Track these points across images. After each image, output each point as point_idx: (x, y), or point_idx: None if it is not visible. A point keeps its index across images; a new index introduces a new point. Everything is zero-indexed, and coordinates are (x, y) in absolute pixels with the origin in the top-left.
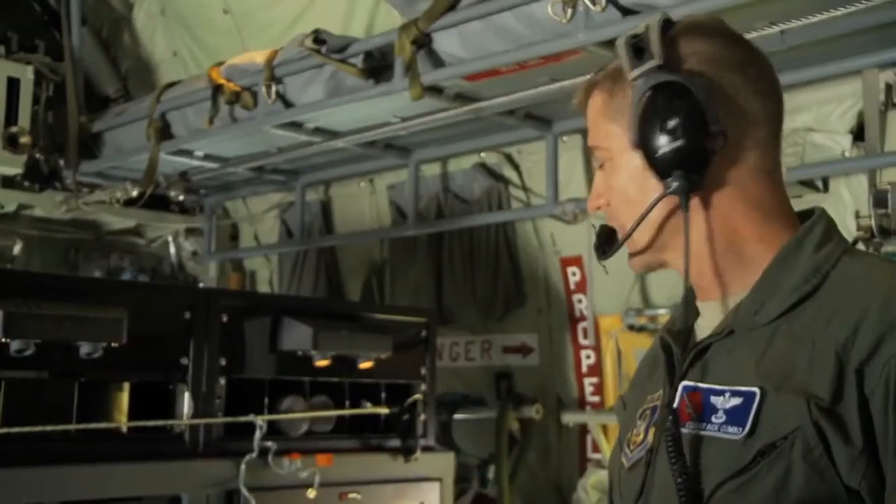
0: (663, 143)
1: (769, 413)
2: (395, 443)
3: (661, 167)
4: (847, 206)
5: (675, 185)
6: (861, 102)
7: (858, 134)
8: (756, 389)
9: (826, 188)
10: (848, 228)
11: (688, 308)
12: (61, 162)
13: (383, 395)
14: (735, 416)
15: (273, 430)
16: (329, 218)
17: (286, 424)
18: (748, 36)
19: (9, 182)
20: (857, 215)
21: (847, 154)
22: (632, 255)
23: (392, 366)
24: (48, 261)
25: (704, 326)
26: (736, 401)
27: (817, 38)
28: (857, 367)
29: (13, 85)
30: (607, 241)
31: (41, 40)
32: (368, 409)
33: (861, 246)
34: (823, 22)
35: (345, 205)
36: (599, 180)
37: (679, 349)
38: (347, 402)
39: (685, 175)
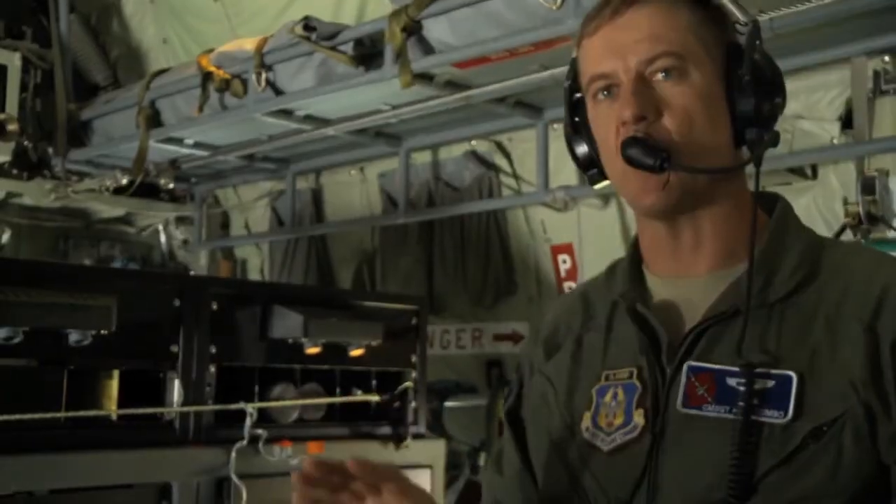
0: (765, 95)
1: (811, 396)
2: (385, 430)
3: (753, 116)
4: (835, 192)
5: (766, 138)
6: (849, 90)
7: (847, 121)
8: (791, 373)
9: (815, 175)
10: (836, 215)
11: (633, 277)
12: (50, 150)
13: (374, 382)
14: (772, 399)
15: (264, 418)
16: (320, 206)
17: (277, 412)
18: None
19: None
20: (846, 202)
21: (835, 141)
22: (678, 173)
23: (383, 353)
24: (37, 249)
25: (685, 301)
26: (768, 383)
27: (806, 26)
28: (891, 343)
29: (0, 72)
30: (661, 150)
31: (28, 27)
32: (359, 396)
33: (849, 232)
34: (812, 10)
35: (335, 193)
36: (669, 91)
37: (662, 326)
38: (338, 390)
39: (772, 132)
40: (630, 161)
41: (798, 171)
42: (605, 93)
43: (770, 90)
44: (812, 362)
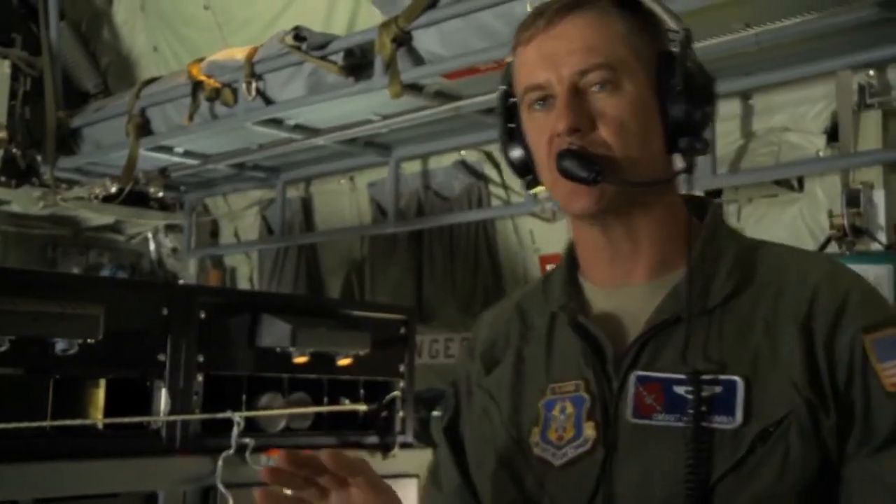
0: (695, 104)
1: (758, 399)
2: (373, 439)
3: (685, 124)
4: (821, 204)
5: (697, 146)
6: (834, 103)
7: (832, 134)
8: (737, 378)
9: (801, 187)
10: (822, 227)
11: (570, 287)
12: (39, 157)
13: (362, 391)
14: (721, 405)
15: (251, 427)
16: (309, 215)
17: (264, 421)
18: (723, 38)
19: None
20: (831, 214)
21: (821, 154)
22: (610, 185)
23: (371, 363)
24: (25, 257)
25: (626, 311)
26: (715, 389)
27: (791, 40)
28: (824, 342)
29: None
30: (594, 163)
31: (18, 34)
32: (347, 405)
33: (834, 244)
34: (797, 24)
35: (325, 202)
36: (603, 102)
37: (606, 337)
38: (326, 399)
39: (702, 140)
40: (564, 173)
41: (784, 184)
42: (540, 103)
43: (701, 98)
44: (755, 366)
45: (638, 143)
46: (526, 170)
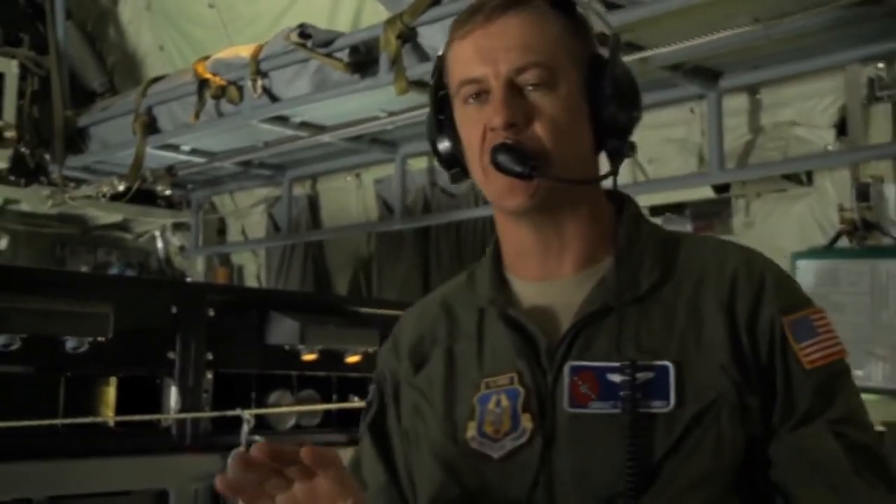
0: (623, 108)
1: (690, 382)
2: None
3: (614, 126)
4: (831, 199)
5: (623, 149)
6: (844, 97)
7: (841, 128)
8: (668, 363)
9: (810, 182)
10: (832, 222)
11: (497, 283)
12: (47, 156)
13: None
14: (653, 389)
15: (260, 424)
16: (316, 212)
17: (273, 418)
18: (732, 32)
19: None
20: (841, 209)
21: (830, 148)
22: (540, 180)
23: None
24: (34, 256)
25: (554, 303)
26: (647, 375)
27: (800, 34)
28: (746, 324)
29: None
30: (530, 158)
31: (26, 34)
32: (356, 402)
33: (845, 239)
34: (806, 17)
35: (332, 199)
36: (538, 101)
37: (538, 329)
38: (335, 396)
39: (629, 142)
40: (499, 167)
41: (793, 178)
42: (474, 97)
43: (629, 103)
44: (683, 351)
45: (570, 141)
46: (453, 162)
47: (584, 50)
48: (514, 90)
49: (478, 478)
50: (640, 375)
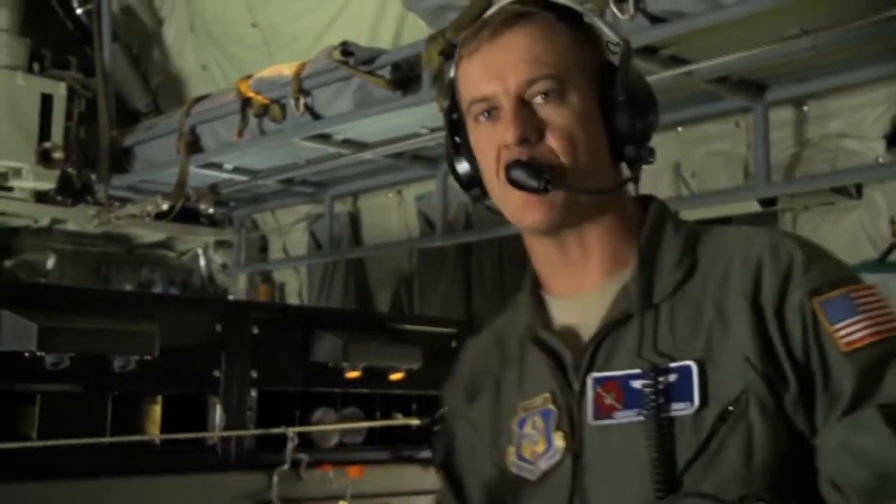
0: (638, 114)
1: (714, 380)
2: (426, 454)
3: (629, 133)
4: (882, 212)
5: (643, 155)
6: (894, 108)
7: (892, 139)
8: (690, 362)
9: (860, 195)
10: (882, 234)
11: (534, 305)
12: (93, 176)
13: (414, 406)
14: (677, 392)
15: (304, 442)
16: (357, 229)
17: (317, 436)
18: (779, 44)
19: (42, 197)
20: (892, 221)
21: (881, 160)
22: (561, 191)
23: (422, 377)
24: (80, 275)
25: (583, 319)
26: (671, 378)
27: (849, 44)
28: (774, 312)
29: (47, 101)
30: (544, 172)
31: (73, 56)
32: (399, 420)
33: None
34: (855, 28)
35: (373, 216)
36: (549, 113)
37: (567, 346)
38: (378, 414)
39: (647, 149)
40: (514, 183)
41: (842, 191)
42: (486, 115)
43: (644, 108)
44: (709, 348)
45: (585, 152)
46: (472, 183)
47: (595, 59)
48: (524, 105)
49: (518, 503)
50: (663, 379)
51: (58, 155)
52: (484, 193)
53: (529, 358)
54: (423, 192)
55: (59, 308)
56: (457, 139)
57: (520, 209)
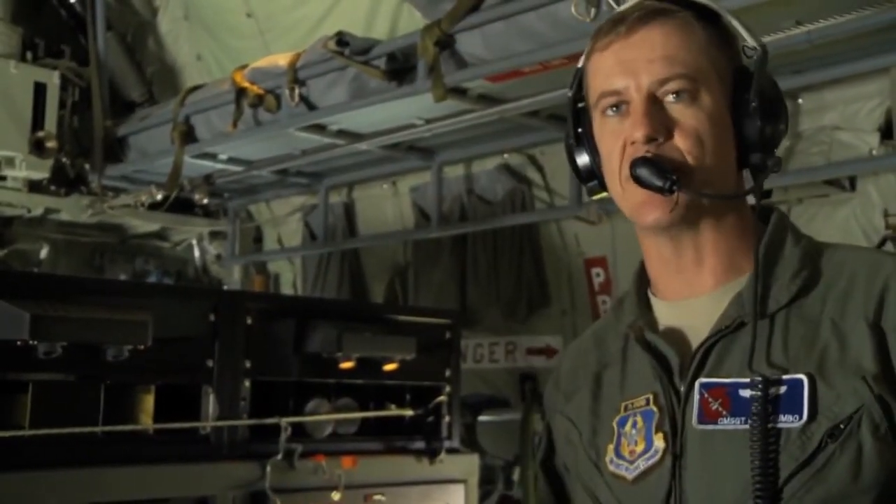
0: (770, 122)
1: (824, 396)
2: (419, 445)
3: (758, 141)
4: (875, 205)
5: (769, 163)
6: (889, 100)
7: (886, 132)
8: (801, 376)
9: (853, 187)
10: (876, 227)
11: (640, 305)
12: (87, 166)
13: (408, 396)
14: (786, 404)
15: (298, 432)
16: (352, 220)
17: (311, 426)
18: (774, 36)
19: (36, 186)
20: (886, 214)
21: (875, 152)
22: (685, 194)
23: (416, 368)
24: (74, 264)
25: (691, 323)
26: (780, 389)
27: (844, 36)
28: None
29: (40, 90)
30: (671, 172)
31: (67, 46)
32: (393, 411)
33: (890, 245)
34: (851, 20)
35: (368, 207)
36: (680, 112)
37: (673, 349)
38: (372, 404)
39: (774, 158)
40: (639, 181)
41: (836, 184)
42: (614, 109)
43: (775, 117)
44: (821, 364)
45: (712, 155)
46: (591, 175)
47: (730, 62)
48: (655, 102)
49: (614, 500)
50: (773, 390)
51: (51, 144)
52: (602, 186)
53: (632, 357)
54: (418, 183)
55: (51, 297)
56: (579, 130)
57: (639, 206)
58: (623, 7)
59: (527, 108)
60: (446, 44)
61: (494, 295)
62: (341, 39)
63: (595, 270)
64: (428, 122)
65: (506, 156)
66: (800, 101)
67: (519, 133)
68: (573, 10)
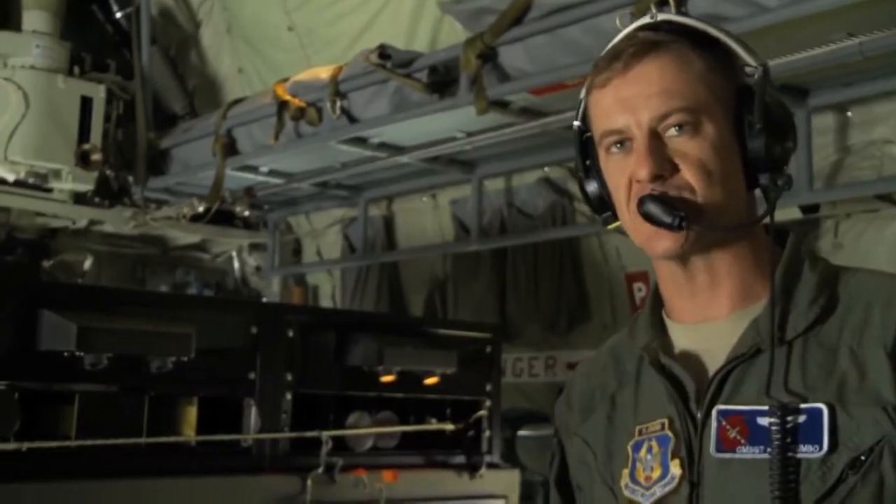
0: (776, 140)
1: (844, 427)
2: (460, 459)
3: (767, 160)
4: None
5: (779, 182)
6: None
7: None
8: (821, 405)
9: None
10: None
11: (655, 327)
12: (130, 178)
13: (448, 410)
14: (806, 434)
15: (339, 446)
16: (391, 233)
17: (351, 440)
18: (825, 49)
19: (80, 198)
20: None
21: None
22: (696, 230)
23: (457, 381)
24: (116, 275)
25: (707, 348)
26: (800, 419)
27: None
28: None
29: (86, 104)
30: (678, 209)
31: (112, 60)
32: (433, 425)
33: None
34: None
35: (407, 220)
36: (683, 145)
37: (689, 374)
38: (412, 418)
39: (785, 176)
40: (647, 218)
41: (886, 198)
42: (619, 146)
43: (782, 134)
44: (840, 393)
45: (720, 184)
46: (603, 206)
47: (730, 84)
48: (657, 138)
49: None
50: (792, 419)
51: (96, 157)
52: (615, 216)
53: (646, 380)
54: (458, 197)
55: (98, 309)
56: (587, 162)
57: (649, 239)
58: (617, 39)
59: (569, 121)
60: (489, 57)
61: (534, 309)
62: (383, 52)
63: (637, 285)
64: (469, 135)
65: (546, 169)
66: (849, 114)
67: (560, 146)
68: (617, 22)
